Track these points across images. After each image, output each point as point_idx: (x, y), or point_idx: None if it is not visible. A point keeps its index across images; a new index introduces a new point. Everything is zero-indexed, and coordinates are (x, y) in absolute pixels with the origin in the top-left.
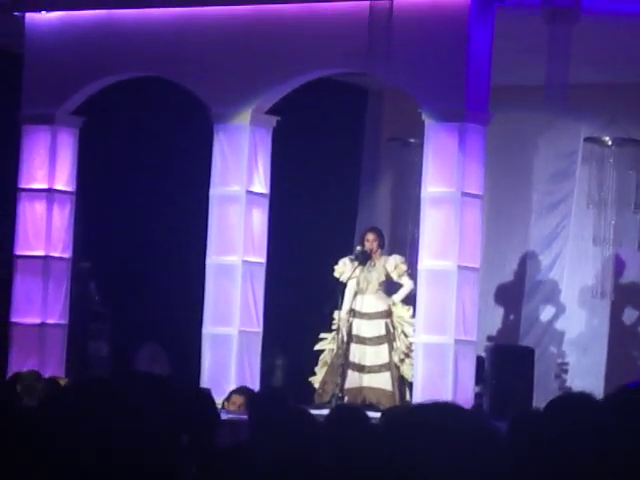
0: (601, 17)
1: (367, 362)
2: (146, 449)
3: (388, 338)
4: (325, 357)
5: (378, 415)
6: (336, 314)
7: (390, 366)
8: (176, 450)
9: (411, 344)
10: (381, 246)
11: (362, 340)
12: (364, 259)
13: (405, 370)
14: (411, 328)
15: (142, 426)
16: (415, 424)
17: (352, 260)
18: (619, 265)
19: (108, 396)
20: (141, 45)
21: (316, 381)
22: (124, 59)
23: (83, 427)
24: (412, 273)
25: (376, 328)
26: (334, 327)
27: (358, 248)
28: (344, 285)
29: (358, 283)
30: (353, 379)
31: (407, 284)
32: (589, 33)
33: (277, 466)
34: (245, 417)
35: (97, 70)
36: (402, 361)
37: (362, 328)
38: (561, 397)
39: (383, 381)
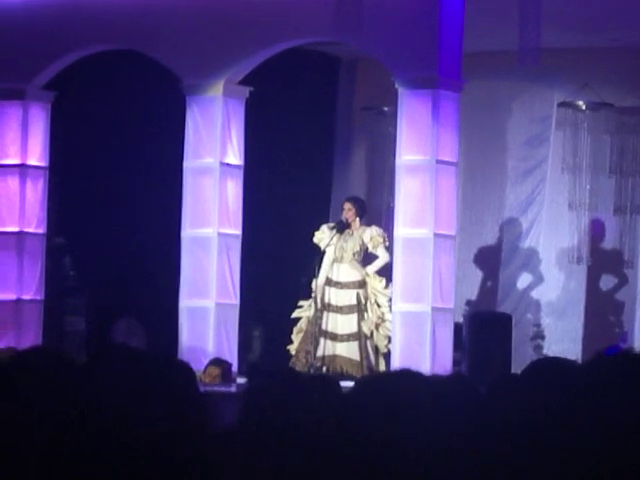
0: None
1: (339, 331)
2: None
3: (359, 308)
4: (301, 324)
5: (351, 384)
6: (314, 283)
7: (358, 336)
8: (153, 423)
9: (383, 314)
10: (359, 216)
11: (335, 309)
12: (341, 227)
13: (378, 340)
14: (385, 298)
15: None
16: (383, 392)
17: (331, 228)
18: (595, 230)
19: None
20: (112, 18)
21: (292, 349)
22: (94, 33)
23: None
24: (389, 244)
25: (348, 297)
26: (313, 295)
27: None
28: (322, 254)
29: (335, 251)
30: (326, 347)
31: (382, 256)
32: None
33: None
34: (220, 389)
35: (67, 44)
36: (374, 331)
37: (336, 297)
38: (537, 362)
39: (352, 351)
